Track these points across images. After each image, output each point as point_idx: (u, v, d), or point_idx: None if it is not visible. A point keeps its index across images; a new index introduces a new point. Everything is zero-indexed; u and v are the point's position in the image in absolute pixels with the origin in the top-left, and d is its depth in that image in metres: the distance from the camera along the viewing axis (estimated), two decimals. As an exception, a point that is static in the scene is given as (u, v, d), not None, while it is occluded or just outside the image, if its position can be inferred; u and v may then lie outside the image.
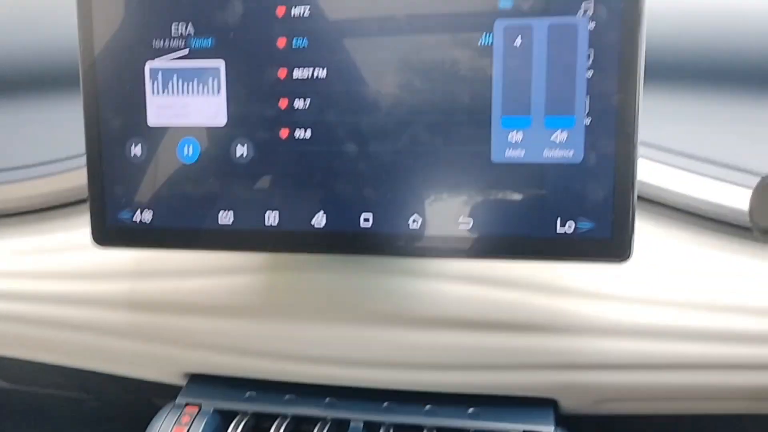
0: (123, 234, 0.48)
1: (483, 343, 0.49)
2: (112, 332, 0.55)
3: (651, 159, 0.51)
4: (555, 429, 0.49)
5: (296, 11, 0.43)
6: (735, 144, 0.51)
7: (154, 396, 0.68)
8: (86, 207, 0.48)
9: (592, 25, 0.40)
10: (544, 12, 0.41)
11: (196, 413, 0.52)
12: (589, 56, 0.41)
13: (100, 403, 0.81)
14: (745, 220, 0.48)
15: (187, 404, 0.53)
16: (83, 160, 0.48)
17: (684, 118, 0.52)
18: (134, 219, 0.48)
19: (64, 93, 0.62)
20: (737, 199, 0.49)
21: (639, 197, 0.50)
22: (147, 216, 0.47)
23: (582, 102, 0.41)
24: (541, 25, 0.41)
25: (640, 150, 0.49)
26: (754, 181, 0.46)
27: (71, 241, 0.57)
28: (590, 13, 0.40)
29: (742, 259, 0.48)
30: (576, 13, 0.40)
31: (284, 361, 0.52)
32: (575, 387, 0.49)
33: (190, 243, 0.47)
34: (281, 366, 0.52)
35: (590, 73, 0.41)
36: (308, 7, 0.43)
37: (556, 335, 0.48)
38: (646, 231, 0.50)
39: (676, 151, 0.52)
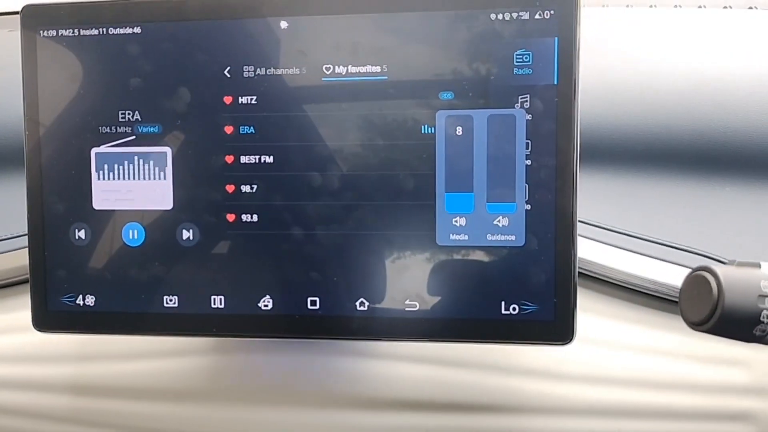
0: (65, 319, 0.47)
1: (433, 424, 0.48)
2: (54, 418, 0.52)
3: (595, 239, 0.52)
4: None
5: (243, 100, 0.44)
6: (672, 223, 0.53)
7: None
8: (28, 288, 0.48)
9: (528, 116, 0.42)
10: (484, 104, 0.42)
11: (138, 503, 0.50)
12: (527, 145, 0.42)
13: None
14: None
15: (129, 493, 0.51)
16: (26, 240, 0.47)
17: (623, 199, 0.54)
18: (77, 303, 0.47)
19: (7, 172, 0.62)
20: (677, 276, 0.50)
21: (584, 275, 0.51)
22: (90, 300, 0.47)
23: (522, 189, 0.43)
24: (480, 116, 0.42)
25: (584, 230, 0.51)
26: (691, 258, 0.48)
27: (13, 322, 0.55)
28: (527, 105, 0.42)
29: (684, 337, 0.49)
30: (513, 106, 0.42)
31: (231, 446, 0.50)
32: (525, 467, 0.49)
33: (133, 328, 0.46)
34: (228, 451, 0.51)
35: (529, 162, 0.42)
36: (255, 96, 0.44)
37: (506, 415, 0.48)
38: (591, 308, 0.51)
39: (618, 231, 0.53)
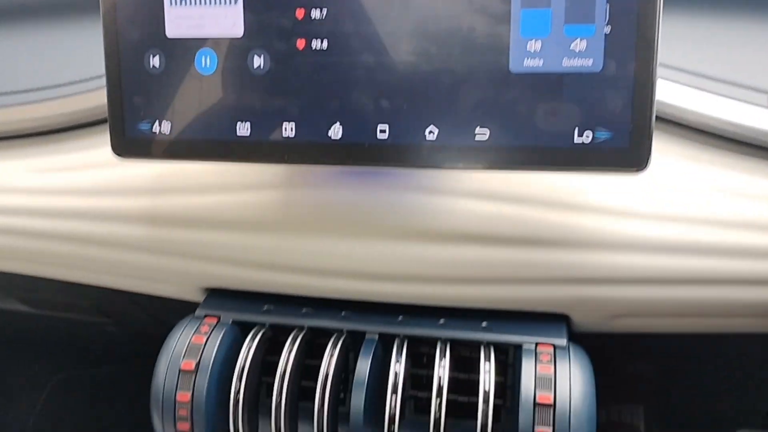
0: (142, 145, 0.48)
1: (497, 257, 0.49)
2: (132, 247, 0.55)
3: (670, 79, 0.50)
4: (567, 342, 0.50)
5: None
6: (753, 65, 0.50)
7: (174, 319, 0.69)
8: (106, 127, 0.49)
9: (614, -72, 0.39)
10: None
11: (215, 324, 0.53)
12: (610, -39, 0.40)
13: (120, 326, 0.83)
14: (763, 140, 0.48)
15: (206, 316, 0.55)
16: (102, 81, 0.48)
17: (701, 40, 0.52)
18: (153, 130, 0.48)
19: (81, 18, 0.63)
20: (756, 119, 0.49)
21: (657, 117, 0.50)
22: (166, 127, 0.48)
23: (602, 10, 0.41)
24: (562, -71, 0.40)
25: (660, 71, 0.49)
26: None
27: (91, 159, 0.57)
28: None
29: (757, 179, 0.48)
30: None
31: (301, 274, 0.52)
32: (587, 301, 0.49)
33: (208, 154, 0.48)
34: (298, 279, 0.53)
35: (611, -21, 0.40)
36: None
37: (569, 250, 0.48)
38: (663, 150, 0.50)
39: (694, 72, 0.51)
